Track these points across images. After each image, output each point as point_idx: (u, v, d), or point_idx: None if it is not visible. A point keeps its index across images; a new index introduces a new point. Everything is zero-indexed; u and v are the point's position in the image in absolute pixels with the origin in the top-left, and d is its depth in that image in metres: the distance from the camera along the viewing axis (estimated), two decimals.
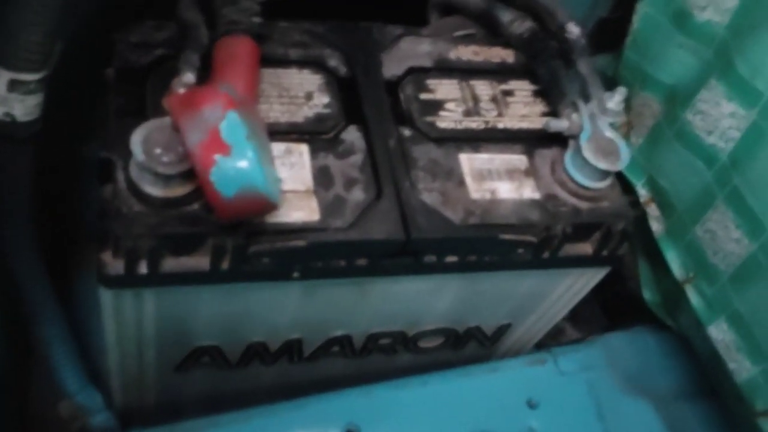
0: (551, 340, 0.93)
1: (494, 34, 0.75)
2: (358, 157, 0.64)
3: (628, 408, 0.85)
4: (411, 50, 0.72)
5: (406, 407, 0.77)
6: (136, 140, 0.53)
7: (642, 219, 0.80)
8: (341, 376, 0.81)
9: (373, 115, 0.66)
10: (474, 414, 0.79)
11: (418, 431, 0.77)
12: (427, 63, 0.72)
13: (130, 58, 0.63)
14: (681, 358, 0.90)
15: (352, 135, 0.65)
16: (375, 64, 0.70)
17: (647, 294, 0.88)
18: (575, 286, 0.75)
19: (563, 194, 0.66)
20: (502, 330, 0.81)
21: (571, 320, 1.01)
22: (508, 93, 0.72)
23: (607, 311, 1.03)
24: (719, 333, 0.73)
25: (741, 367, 0.71)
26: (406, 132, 0.67)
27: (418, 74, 0.71)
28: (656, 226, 0.79)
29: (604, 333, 0.92)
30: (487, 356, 0.87)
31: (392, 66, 0.70)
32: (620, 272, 0.93)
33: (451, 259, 0.64)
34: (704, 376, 0.85)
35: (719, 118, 0.68)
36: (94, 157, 0.58)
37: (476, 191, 0.65)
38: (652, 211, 0.79)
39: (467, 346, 0.83)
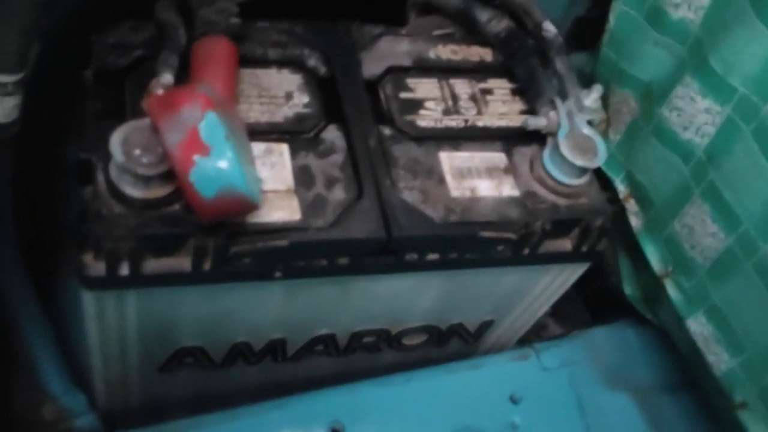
0: (534, 336, 0.94)
1: (472, 33, 0.75)
2: (338, 157, 0.64)
3: (609, 402, 0.86)
4: (390, 50, 0.72)
5: (391, 404, 0.78)
6: (116, 141, 0.53)
7: (621, 214, 0.80)
8: (326, 375, 0.81)
9: (353, 114, 0.66)
10: (458, 410, 0.79)
11: (403, 428, 0.77)
12: (406, 62, 0.72)
13: (108, 59, 0.63)
14: (662, 352, 0.91)
15: (333, 134, 0.65)
16: (354, 64, 0.70)
17: (628, 289, 0.89)
18: (556, 281, 0.76)
19: (542, 191, 0.67)
20: (485, 326, 0.82)
21: (554, 316, 1.01)
22: (486, 91, 0.72)
23: (589, 306, 1.04)
24: (698, 326, 0.74)
25: (719, 359, 0.72)
26: (387, 131, 0.67)
27: (398, 73, 0.71)
28: (635, 221, 0.80)
29: (587, 328, 0.93)
30: (471, 353, 0.87)
31: (372, 65, 0.71)
32: (601, 268, 0.94)
33: (432, 256, 0.65)
34: (684, 369, 0.87)
35: (695, 114, 0.69)
36: (74, 159, 0.58)
37: (456, 189, 0.65)
38: (631, 206, 0.80)
39: (450, 343, 0.83)
